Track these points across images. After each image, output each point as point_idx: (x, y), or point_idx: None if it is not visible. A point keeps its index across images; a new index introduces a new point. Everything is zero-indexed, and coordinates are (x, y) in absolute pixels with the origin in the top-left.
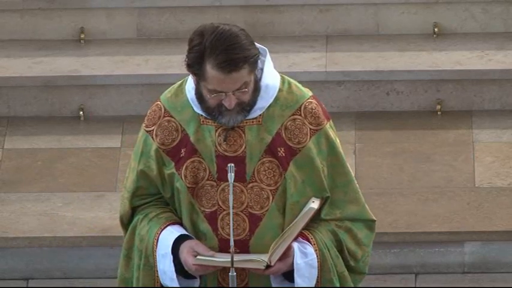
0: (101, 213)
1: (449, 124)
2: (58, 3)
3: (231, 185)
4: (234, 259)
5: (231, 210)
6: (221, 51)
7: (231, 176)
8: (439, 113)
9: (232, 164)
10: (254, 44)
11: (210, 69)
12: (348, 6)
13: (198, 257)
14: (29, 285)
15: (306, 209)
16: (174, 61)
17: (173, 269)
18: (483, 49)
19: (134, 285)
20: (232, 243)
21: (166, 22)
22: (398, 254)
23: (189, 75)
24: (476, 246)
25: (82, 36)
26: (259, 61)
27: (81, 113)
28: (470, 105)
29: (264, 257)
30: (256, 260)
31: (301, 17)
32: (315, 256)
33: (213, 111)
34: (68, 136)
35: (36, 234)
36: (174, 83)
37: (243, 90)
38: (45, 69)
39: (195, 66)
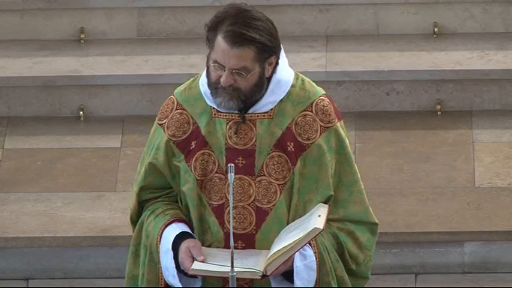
0: (100, 213)
1: (449, 124)
2: (58, 3)
3: (231, 186)
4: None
5: (231, 211)
6: (235, 23)
7: (230, 176)
8: (439, 113)
9: (232, 165)
10: (275, 40)
11: (218, 37)
12: (348, 6)
13: (194, 265)
14: (29, 285)
15: (310, 228)
16: (174, 61)
17: (174, 266)
18: (483, 49)
19: (139, 281)
20: (232, 243)
21: (166, 22)
22: (398, 254)
23: (202, 71)
24: (476, 246)
25: (82, 36)
26: (272, 59)
27: (81, 113)
28: (470, 105)
29: (260, 267)
30: (252, 271)
31: (301, 17)
32: (314, 259)
33: (212, 87)
34: (68, 136)
35: (36, 234)
36: (173, 83)
37: (241, 73)
38: (45, 69)
39: (211, 30)
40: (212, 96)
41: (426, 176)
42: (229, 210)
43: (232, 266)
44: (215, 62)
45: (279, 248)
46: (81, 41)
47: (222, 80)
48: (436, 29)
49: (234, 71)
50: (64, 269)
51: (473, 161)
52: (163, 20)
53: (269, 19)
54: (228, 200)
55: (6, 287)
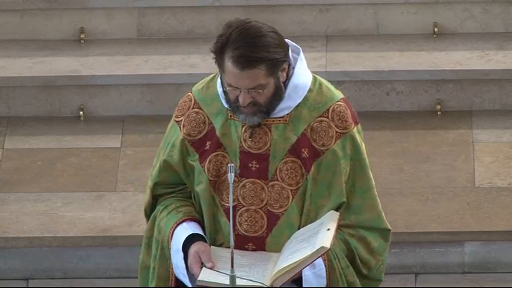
0: (100, 213)
1: (449, 124)
2: (58, 3)
3: (230, 186)
4: (237, 282)
5: (231, 212)
6: (240, 46)
7: (230, 176)
8: (439, 113)
9: (232, 164)
10: (282, 48)
11: (227, 62)
12: (348, 6)
13: (202, 275)
14: (29, 285)
15: (318, 245)
16: (174, 61)
17: (184, 266)
18: (483, 49)
19: (151, 274)
20: (232, 243)
21: (166, 22)
22: (398, 254)
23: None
24: (476, 246)
25: (82, 36)
26: (291, 59)
27: (81, 113)
28: (470, 105)
29: (267, 280)
30: (259, 286)
31: (301, 17)
32: (324, 266)
33: (232, 105)
34: (68, 136)
35: (36, 234)
36: (173, 83)
37: (258, 91)
38: (45, 69)
39: (217, 55)
40: (234, 113)
41: (426, 176)
42: (240, 213)
43: (232, 266)
44: (229, 85)
45: (286, 265)
46: (81, 41)
47: (240, 100)
48: (436, 29)
49: (250, 90)
50: (64, 269)
51: (473, 161)
52: (163, 20)
53: (271, 28)
54: (240, 203)
55: (6, 287)
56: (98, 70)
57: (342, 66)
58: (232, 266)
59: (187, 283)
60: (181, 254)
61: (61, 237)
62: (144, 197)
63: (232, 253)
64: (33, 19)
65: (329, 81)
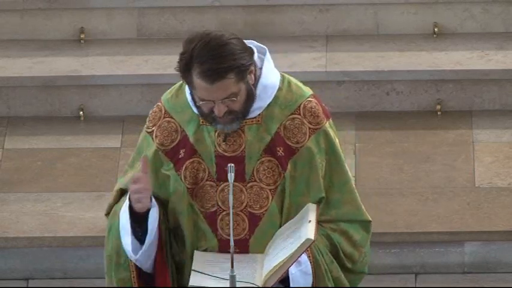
0: (100, 213)
1: (449, 124)
2: (58, 3)
3: (231, 185)
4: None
5: (231, 211)
6: (205, 60)
7: (231, 176)
8: (439, 113)
9: (232, 164)
10: (246, 52)
11: (195, 78)
12: (348, 6)
13: (192, 281)
14: (29, 285)
15: (303, 238)
16: (174, 61)
17: (128, 219)
18: (483, 49)
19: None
20: (232, 243)
21: (166, 22)
22: (399, 254)
23: None
24: (476, 246)
25: (82, 36)
26: (258, 60)
27: (81, 113)
28: (470, 105)
29: (258, 281)
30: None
31: (301, 17)
32: (309, 263)
33: (207, 118)
34: (68, 136)
35: (36, 234)
36: (174, 83)
37: (232, 99)
38: (45, 69)
39: (183, 73)
40: (210, 124)
41: (426, 176)
42: (221, 217)
43: (232, 266)
44: (202, 99)
45: (276, 263)
46: (81, 41)
47: (215, 111)
48: (436, 29)
49: (224, 100)
50: (64, 269)
51: (473, 161)
52: (163, 20)
53: (233, 35)
54: (221, 208)
55: (6, 287)
56: (98, 70)
57: (342, 66)
58: (232, 266)
59: (131, 254)
60: (126, 215)
61: (61, 237)
62: (110, 199)
63: (232, 253)
64: (33, 19)
65: (329, 81)
